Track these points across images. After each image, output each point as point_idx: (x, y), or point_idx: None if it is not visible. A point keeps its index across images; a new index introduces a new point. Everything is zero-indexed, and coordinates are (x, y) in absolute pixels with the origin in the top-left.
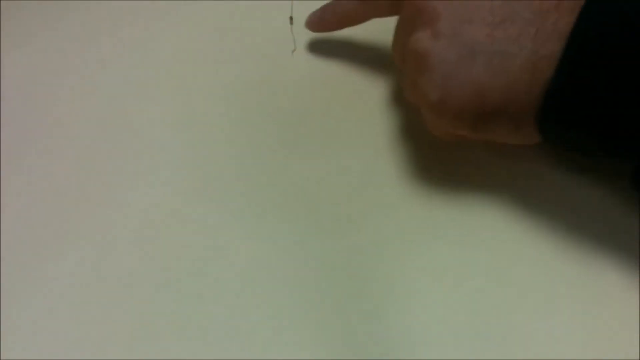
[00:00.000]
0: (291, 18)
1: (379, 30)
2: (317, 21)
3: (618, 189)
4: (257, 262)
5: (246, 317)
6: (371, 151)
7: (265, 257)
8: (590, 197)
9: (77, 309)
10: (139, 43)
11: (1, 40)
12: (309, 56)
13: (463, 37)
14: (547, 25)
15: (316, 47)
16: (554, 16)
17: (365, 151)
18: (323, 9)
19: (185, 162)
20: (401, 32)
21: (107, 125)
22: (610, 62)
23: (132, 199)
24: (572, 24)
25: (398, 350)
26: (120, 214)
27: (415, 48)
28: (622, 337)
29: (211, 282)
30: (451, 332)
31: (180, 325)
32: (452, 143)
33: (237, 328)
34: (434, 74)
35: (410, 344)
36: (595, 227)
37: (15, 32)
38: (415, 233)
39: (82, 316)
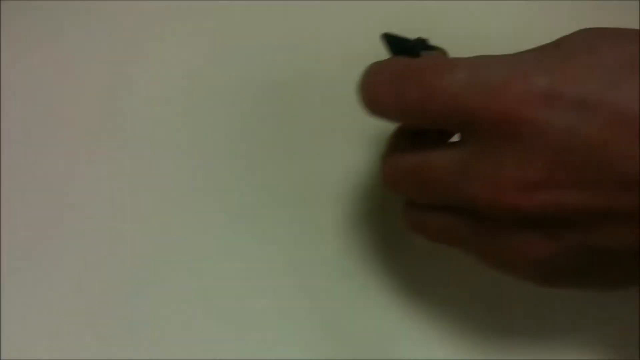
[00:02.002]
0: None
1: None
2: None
3: None
4: (257, 261)
5: (245, 317)
6: (373, 150)
7: (265, 257)
8: None
9: (78, 309)
10: (140, 42)
11: (1, 40)
12: (309, 55)
13: None
14: None
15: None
16: None
17: (366, 151)
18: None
19: (185, 162)
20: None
21: (107, 124)
22: None
23: (131, 198)
24: None
25: (398, 350)
26: (119, 213)
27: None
28: (622, 337)
29: (210, 281)
30: (452, 332)
31: (180, 325)
32: None
33: (236, 328)
34: None
35: (411, 344)
36: None
37: (16, 32)
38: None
39: (83, 316)
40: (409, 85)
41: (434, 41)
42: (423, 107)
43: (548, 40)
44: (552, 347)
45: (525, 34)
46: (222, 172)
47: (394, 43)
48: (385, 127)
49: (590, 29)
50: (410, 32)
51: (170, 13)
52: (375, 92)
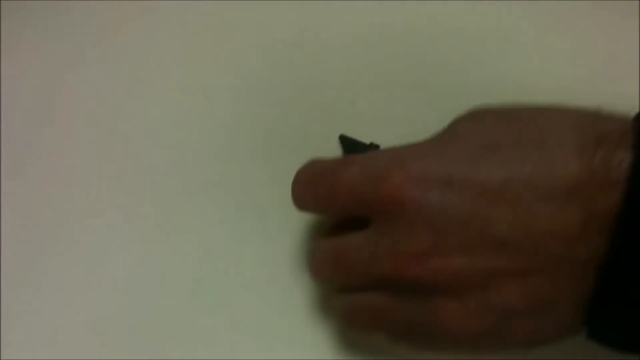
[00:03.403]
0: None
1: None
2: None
3: None
4: (256, 262)
5: (245, 317)
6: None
7: (265, 257)
8: None
9: (78, 310)
10: (140, 42)
11: (1, 40)
12: (310, 56)
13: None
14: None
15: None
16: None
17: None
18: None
19: (185, 162)
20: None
21: (107, 125)
22: None
23: (131, 198)
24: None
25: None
26: (118, 213)
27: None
28: None
29: (210, 282)
30: None
31: (179, 325)
32: None
33: (237, 328)
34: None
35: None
36: None
37: (16, 32)
38: None
39: (83, 316)
40: (321, 184)
41: (431, 45)
42: (332, 201)
43: (545, 40)
44: (552, 347)
45: (526, 34)
46: (221, 172)
47: (348, 145)
48: (386, 128)
49: (471, 112)
50: (408, 32)
51: (171, 12)
52: (298, 191)
